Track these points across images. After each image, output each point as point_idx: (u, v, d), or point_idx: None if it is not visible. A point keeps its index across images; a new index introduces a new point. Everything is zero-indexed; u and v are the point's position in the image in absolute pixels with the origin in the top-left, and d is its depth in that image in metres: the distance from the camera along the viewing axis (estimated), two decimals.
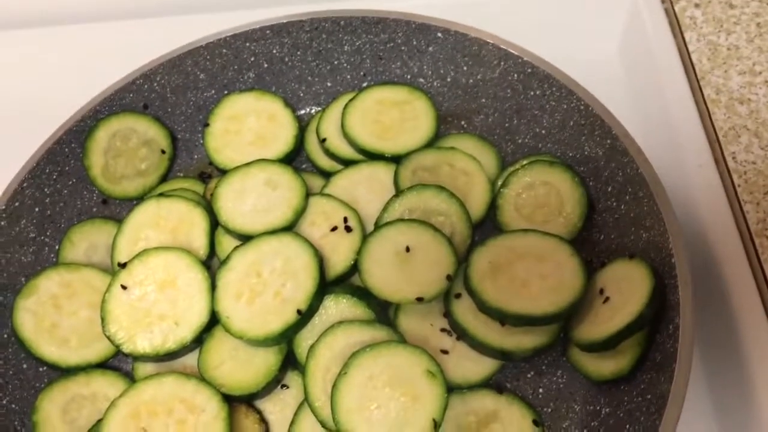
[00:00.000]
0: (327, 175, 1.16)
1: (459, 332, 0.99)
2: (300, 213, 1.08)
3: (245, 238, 1.05)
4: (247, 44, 1.22)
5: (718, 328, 1.02)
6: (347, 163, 1.16)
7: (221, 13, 1.32)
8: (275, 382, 0.98)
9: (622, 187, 1.02)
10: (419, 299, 0.98)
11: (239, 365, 0.98)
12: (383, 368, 0.91)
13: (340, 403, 0.90)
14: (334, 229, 1.06)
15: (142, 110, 1.21)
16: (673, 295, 0.89)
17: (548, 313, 0.94)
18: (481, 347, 0.97)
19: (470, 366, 0.98)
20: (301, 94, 1.28)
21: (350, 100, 1.18)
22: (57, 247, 1.12)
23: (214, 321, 1.00)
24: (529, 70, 1.11)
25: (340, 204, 1.08)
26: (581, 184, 1.07)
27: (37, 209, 1.11)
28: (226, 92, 1.24)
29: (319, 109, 1.26)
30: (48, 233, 1.12)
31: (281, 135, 1.20)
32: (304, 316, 0.97)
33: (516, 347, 0.96)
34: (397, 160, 1.13)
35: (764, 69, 1.21)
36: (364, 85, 1.26)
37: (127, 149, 1.18)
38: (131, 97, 1.19)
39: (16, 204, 1.09)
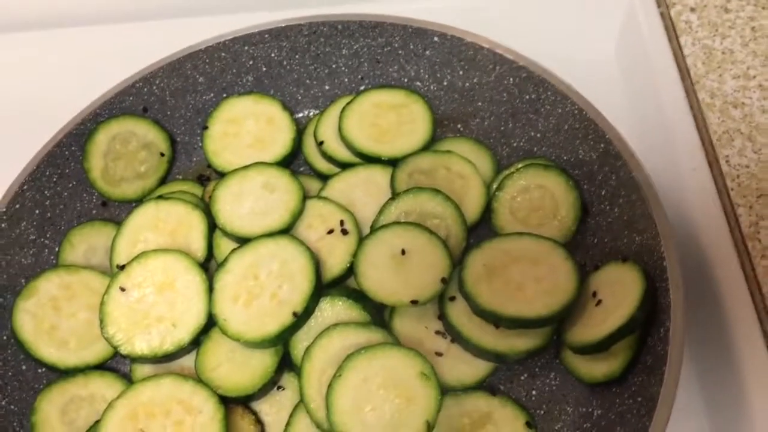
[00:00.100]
0: (324, 177, 1.17)
1: (453, 335, 1.00)
2: (297, 216, 1.09)
3: (243, 241, 1.06)
4: (246, 48, 1.23)
5: (711, 329, 1.03)
6: (344, 166, 1.17)
7: (220, 17, 1.33)
8: (271, 384, 1.00)
9: (616, 191, 1.03)
10: (414, 302, 0.99)
11: (236, 367, 0.99)
12: (378, 370, 0.92)
13: (335, 404, 0.91)
14: (330, 231, 1.08)
15: (142, 113, 1.22)
16: (665, 298, 0.90)
17: (542, 316, 0.95)
18: (475, 350, 0.98)
19: (464, 368, 0.99)
20: (300, 98, 1.29)
21: (348, 104, 1.19)
22: (57, 249, 1.13)
23: (211, 323, 1.01)
24: (524, 75, 1.12)
25: (336, 207, 1.09)
26: (575, 187, 1.08)
27: (37, 211, 1.13)
28: (224, 95, 1.25)
29: (317, 112, 1.27)
30: (48, 235, 1.14)
31: (279, 138, 1.21)
32: (300, 319, 0.99)
33: (510, 350, 0.97)
34: (393, 163, 1.14)
35: (758, 73, 1.22)
36: (362, 88, 1.27)
37: (127, 152, 1.20)
38: (131, 100, 1.20)
39: (17, 206, 1.10)
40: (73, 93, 1.21)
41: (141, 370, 1.03)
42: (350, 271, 1.04)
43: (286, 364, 1.01)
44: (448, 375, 0.98)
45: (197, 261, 1.05)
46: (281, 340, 0.99)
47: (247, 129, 1.21)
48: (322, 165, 1.20)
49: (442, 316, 1.01)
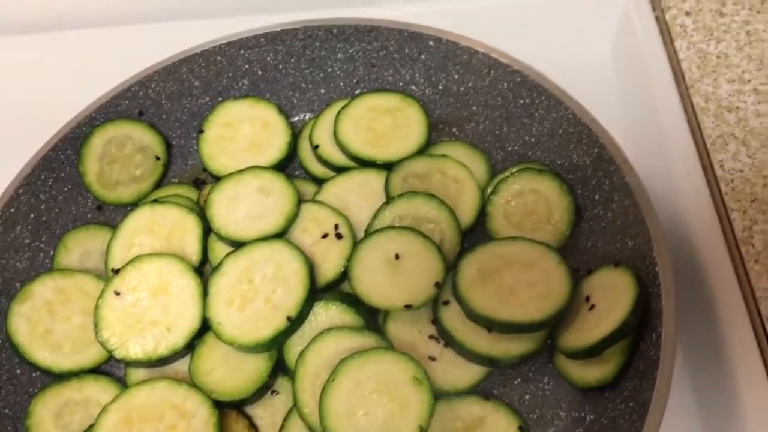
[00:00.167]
0: (319, 181, 1.18)
1: (447, 339, 1.00)
2: (292, 220, 1.09)
3: (238, 245, 1.06)
4: (242, 52, 1.23)
5: (704, 333, 1.03)
6: (339, 169, 1.17)
7: (216, 21, 1.33)
8: (265, 388, 1.00)
9: (609, 196, 1.03)
10: (408, 306, 0.99)
11: (230, 371, 0.99)
12: (371, 375, 0.92)
13: (328, 409, 0.91)
14: (325, 236, 1.08)
15: (138, 117, 1.22)
16: (657, 303, 0.90)
17: (535, 321, 0.96)
18: (468, 354, 0.99)
19: (458, 373, 0.99)
20: (295, 101, 1.29)
21: (343, 108, 1.20)
22: (52, 252, 1.14)
23: (205, 327, 1.01)
24: (519, 79, 1.12)
25: (331, 211, 1.10)
26: (569, 192, 1.08)
27: (32, 215, 1.13)
28: (220, 99, 1.25)
29: (313, 116, 1.27)
30: (43, 239, 1.14)
31: (275, 142, 1.21)
32: (294, 323, 0.99)
33: (503, 354, 0.97)
34: (388, 167, 1.14)
35: (753, 77, 1.22)
36: (357, 92, 1.27)
37: (122, 156, 1.20)
38: (126, 104, 1.21)
39: (12, 210, 1.10)
40: (68, 96, 1.21)
41: (135, 374, 1.03)
42: (344, 275, 1.04)
43: (280, 368, 1.01)
44: (442, 379, 0.98)
45: (192, 265, 1.06)
46: (275, 345, 0.99)
47: (242, 133, 1.22)
48: (318, 169, 1.20)
49: (435, 321, 1.01)
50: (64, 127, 1.17)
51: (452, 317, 1.00)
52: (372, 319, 1.03)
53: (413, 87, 1.24)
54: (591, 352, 0.92)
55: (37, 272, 1.11)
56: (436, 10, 1.37)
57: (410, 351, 0.97)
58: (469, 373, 0.99)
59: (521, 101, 1.14)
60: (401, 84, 1.25)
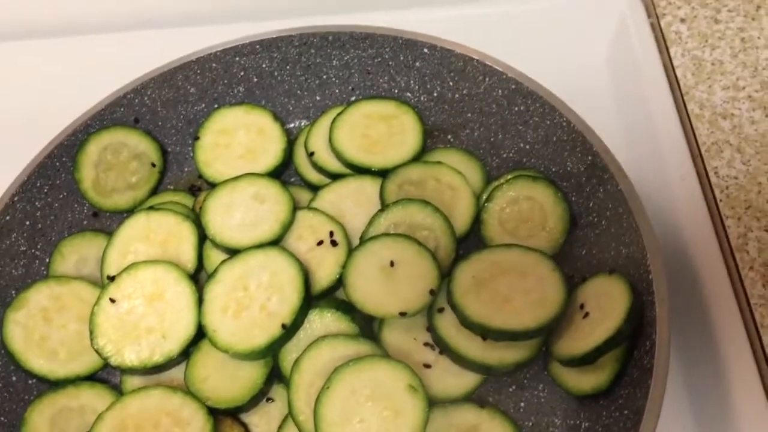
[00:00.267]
0: (315, 188, 1.18)
1: (442, 346, 1.00)
2: (287, 227, 1.09)
3: (233, 252, 1.07)
4: (237, 59, 1.24)
5: (699, 341, 1.03)
6: (335, 176, 1.17)
7: (211, 27, 1.34)
8: (260, 396, 1.00)
9: (603, 203, 1.03)
10: (402, 314, 0.99)
11: (225, 378, 1.00)
12: (366, 382, 0.92)
13: (323, 416, 0.91)
14: (320, 243, 1.08)
15: (133, 124, 1.22)
16: (651, 311, 0.91)
17: (530, 329, 0.96)
18: (463, 362, 0.99)
19: (452, 380, 0.99)
20: (291, 108, 1.29)
21: (338, 115, 1.20)
22: (47, 260, 1.14)
23: (201, 334, 1.01)
24: (513, 86, 1.13)
25: (326, 218, 1.10)
26: (564, 199, 1.08)
27: (27, 223, 1.13)
28: (216, 106, 1.26)
29: (308, 122, 1.28)
30: (39, 246, 1.14)
31: (270, 149, 1.21)
32: (289, 330, 0.99)
33: (498, 362, 0.98)
34: (383, 174, 1.14)
35: (748, 84, 1.23)
36: (352, 99, 1.27)
37: (118, 163, 1.20)
38: (122, 111, 1.21)
39: (7, 218, 1.10)
40: (63, 103, 1.21)
41: (131, 382, 1.03)
42: (339, 282, 1.04)
43: (276, 375, 1.01)
44: (437, 387, 0.98)
45: (187, 272, 1.06)
46: (270, 352, 1.00)
47: (238, 140, 1.22)
48: (313, 176, 1.20)
49: (430, 328, 1.02)
50: (60, 134, 1.17)
51: (447, 325, 1.00)
52: (367, 326, 1.03)
53: (408, 94, 1.25)
54: (585, 360, 0.93)
55: (33, 279, 1.11)
56: (431, 18, 1.38)
57: (405, 358, 0.97)
58: (464, 381, 0.99)
59: (516, 108, 1.15)
60: (396, 91, 1.25)
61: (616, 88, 1.36)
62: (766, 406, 0.95)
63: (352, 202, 1.14)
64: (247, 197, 1.12)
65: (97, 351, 1.01)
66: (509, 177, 1.13)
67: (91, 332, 1.02)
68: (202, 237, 1.10)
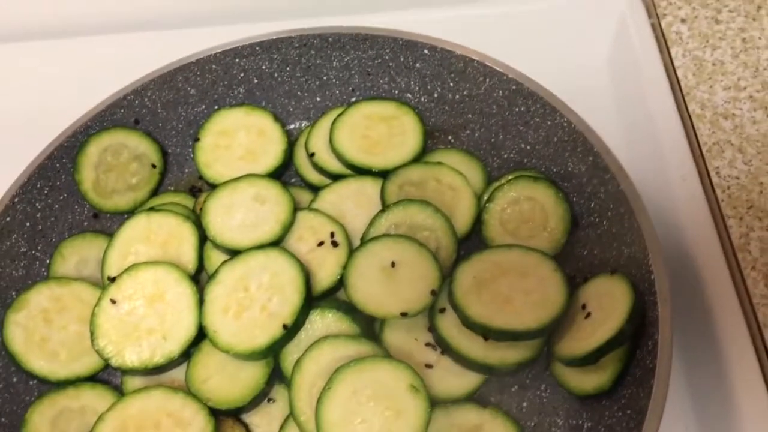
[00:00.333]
0: (315, 189, 1.17)
1: (443, 347, 1.00)
2: (288, 228, 1.09)
3: (233, 253, 1.06)
4: (237, 60, 1.24)
5: (701, 341, 1.03)
6: (335, 177, 1.17)
7: (211, 29, 1.33)
8: (262, 396, 0.99)
9: (604, 203, 1.03)
10: (404, 314, 0.99)
11: (226, 379, 0.99)
12: (367, 383, 0.92)
13: (324, 417, 0.91)
14: (321, 243, 1.08)
15: (133, 125, 1.22)
16: (653, 311, 0.90)
17: (531, 329, 0.95)
18: (465, 362, 0.98)
19: (454, 380, 0.99)
20: (291, 109, 1.29)
21: (339, 116, 1.20)
22: (48, 261, 1.13)
23: (202, 335, 1.01)
24: (514, 87, 1.13)
25: (327, 219, 1.10)
26: (565, 199, 1.08)
27: (28, 224, 1.13)
28: (216, 107, 1.25)
29: (308, 123, 1.28)
30: (39, 248, 1.14)
31: (271, 150, 1.21)
32: (290, 331, 0.99)
33: (499, 362, 0.97)
34: (384, 174, 1.14)
35: (749, 84, 1.23)
36: (353, 100, 1.27)
37: (118, 164, 1.20)
38: (122, 112, 1.21)
39: (7, 219, 1.10)
40: (63, 104, 1.21)
41: (132, 382, 1.03)
42: (340, 283, 1.04)
43: (277, 376, 1.01)
44: (438, 387, 0.98)
45: (188, 273, 1.06)
46: (271, 353, 0.99)
47: (238, 141, 1.22)
48: (314, 176, 1.20)
49: (432, 328, 1.01)
50: (60, 135, 1.17)
51: (449, 325, 1.00)
52: (368, 327, 1.03)
53: (409, 95, 1.25)
54: (587, 360, 0.92)
55: (33, 281, 1.11)
56: (431, 19, 1.38)
57: (407, 359, 0.97)
58: (466, 381, 0.99)
59: (516, 109, 1.15)
60: (397, 92, 1.25)
61: (616, 89, 1.36)
62: None
63: (352, 202, 1.14)
64: (247, 198, 1.12)
65: (97, 352, 1.01)
66: (510, 177, 1.13)
67: (92, 333, 1.01)
68: (203, 238, 1.10)
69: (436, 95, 1.22)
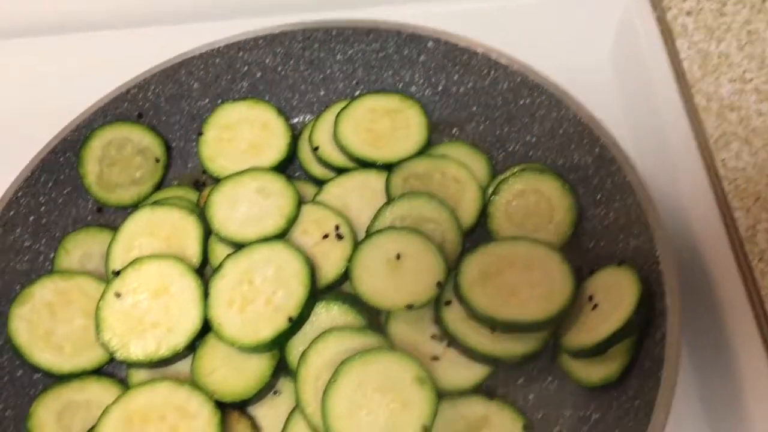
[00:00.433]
0: (320, 183, 1.17)
1: (449, 339, 0.99)
2: (292, 221, 1.09)
3: (238, 246, 1.06)
4: (241, 54, 1.23)
5: (709, 333, 1.02)
6: (340, 171, 1.17)
7: (214, 23, 1.33)
8: (267, 389, 0.99)
9: (611, 195, 1.02)
10: (409, 306, 0.99)
11: (232, 372, 0.99)
12: (373, 375, 0.92)
13: (330, 409, 0.90)
14: (325, 236, 1.07)
15: (137, 119, 1.22)
16: (661, 301, 0.90)
17: (538, 320, 0.95)
18: (471, 354, 0.98)
19: (460, 372, 0.98)
20: (295, 103, 1.29)
21: (342, 109, 1.19)
22: (52, 255, 1.13)
23: (206, 328, 1.01)
24: (519, 79, 1.12)
25: (331, 212, 1.09)
26: (571, 192, 1.08)
27: (32, 218, 1.12)
28: (219, 101, 1.25)
29: (312, 117, 1.27)
30: (43, 242, 1.13)
31: (274, 143, 1.21)
32: (296, 324, 0.98)
33: (506, 354, 0.97)
34: (388, 168, 1.14)
35: (755, 76, 1.22)
36: (357, 93, 1.27)
37: (122, 158, 1.19)
38: (126, 106, 1.20)
39: (11, 213, 1.10)
40: (67, 99, 1.20)
41: (137, 376, 1.03)
42: (345, 276, 1.04)
43: (282, 368, 1.00)
44: (444, 379, 0.97)
45: (192, 266, 1.05)
46: (276, 345, 0.99)
47: (242, 135, 1.21)
48: (318, 170, 1.20)
49: (437, 321, 1.01)
50: (64, 129, 1.16)
51: (454, 317, 1.00)
52: (374, 319, 1.02)
53: (413, 88, 1.24)
54: (595, 351, 0.92)
55: (38, 275, 1.10)
56: (435, 12, 1.37)
57: (412, 351, 0.97)
58: (472, 373, 0.99)
59: (522, 101, 1.14)
60: (401, 85, 1.25)
61: (621, 82, 1.35)
62: None
63: (357, 195, 1.13)
64: (251, 191, 1.11)
65: (102, 345, 1.00)
66: (515, 170, 1.12)
67: (97, 327, 1.01)
68: (207, 231, 1.10)
69: (440, 88, 1.22)
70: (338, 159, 1.17)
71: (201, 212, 1.12)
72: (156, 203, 1.13)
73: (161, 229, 1.10)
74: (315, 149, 1.18)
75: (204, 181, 1.23)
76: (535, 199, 1.09)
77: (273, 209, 1.10)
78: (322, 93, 1.28)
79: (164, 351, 0.99)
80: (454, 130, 1.23)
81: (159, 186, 1.22)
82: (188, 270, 1.04)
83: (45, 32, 1.48)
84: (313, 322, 1.01)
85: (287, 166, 1.22)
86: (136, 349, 1.00)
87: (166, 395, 0.95)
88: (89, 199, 1.19)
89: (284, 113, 1.23)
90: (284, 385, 1.01)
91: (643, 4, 1.34)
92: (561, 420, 0.98)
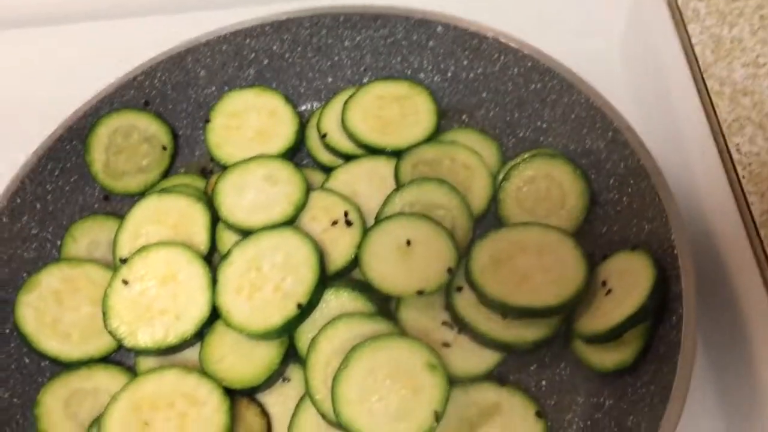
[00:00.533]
0: (328, 170, 1.16)
1: (460, 325, 0.98)
2: (300, 208, 1.08)
3: (246, 233, 1.05)
4: (247, 41, 1.22)
5: (723, 319, 1.01)
6: (348, 158, 1.15)
7: (221, 10, 1.32)
8: (276, 376, 0.98)
9: (624, 180, 1.01)
10: (420, 292, 0.98)
11: (240, 359, 0.98)
12: (384, 361, 0.91)
13: (340, 395, 0.89)
14: (334, 223, 1.06)
15: (143, 107, 1.21)
16: (676, 285, 0.89)
17: (550, 306, 0.94)
18: (482, 340, 0.97)
19: (472, 358, 0.97)
20: (302, 90, 1.27)
21: (351, 96, 1.18)
22: (59, 243, 1.12)
23: (215, 315, 1.00)
24: (530, 64, 1.11)
25: (340, 198, 1.08)
26: (583, 177, 1.06)
27: (38, 206, 1.12)
28: (226, 89, 1.24)
29: (320, 104, 1.26)
30: (50, 229, 1.13)
31: (282, 131, 1.20)
32: (305, 310, 0.97)
33: (517, 340, 0.96)
34: (397, 154, 1.12)
35: None
36: (365, 80, 1.26)
37: (129, 145, 1.19)
38: (132, 93, 1.19)
39: (18, 201, 1.09)
40: (74, 88, 1.19)
41: (145, 363, 1.02)
42: (355, 262, 1.03)
43: (292, 355, 0.99)
44: (455, 365, 0.96)
45: (200, 253, 1.04)
46: (286, 332, 0.98)
47: (249, 122, 1.20)
48: (326, 158, 1.19)
49: (448, 307, 1.00)
50: (70, 117, 1.15)
51: (466, 303, 0.99)
52: (384, 306, 1.01)
53: (422, 74, 1.23)
54: (609, 336, 0.91)
55: (44, 262, 1.09)
56: None
57: (423, 337, 0.96)
58: (484, 359, 0.97)
59: (532, 86, 1.13)
60: (409, 71, 1.23)
61: (632, 68, 1.33)
62: None
63: (366, 182, 1.12)
64: (259, 179, 1.11)
65: (110, 332, 0.99)
66: (526, 156, 1.11)
67: (104, 314, 1.00)
68: (215, 219, 1.09)
69: (449, 74, 1.21)
70: (346, 146, 1.16)
71: (208, 199, 1.11)
72: (163, 191, 1.12)
73: (168, 216, 1.09)
74: (323, 136, 1.17)
75: (211, 169, 1.22)
76: (547, 185, 1.08)
77: (281, 196, 1.09)
78: (329, 80, 1.27)
79: (172, 338, 0.98)
80: (463, 117, 1.21)
81: (166, 174, 1.21)
82: (196, 257, 1.03)
83: (52, 22, 1.47)
84: (323, 309, 1.00)
85: (295, 154, 1.21)
86: (144, 337, 0.99)
87: (175, 382, 0.94)
88: (96, 187, 1.18)
89: (291, 101, 1.22)
90: (293, 372, 1.00)
91: None
92: (574, 406, 0.97)
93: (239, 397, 0.97)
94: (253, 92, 1.22)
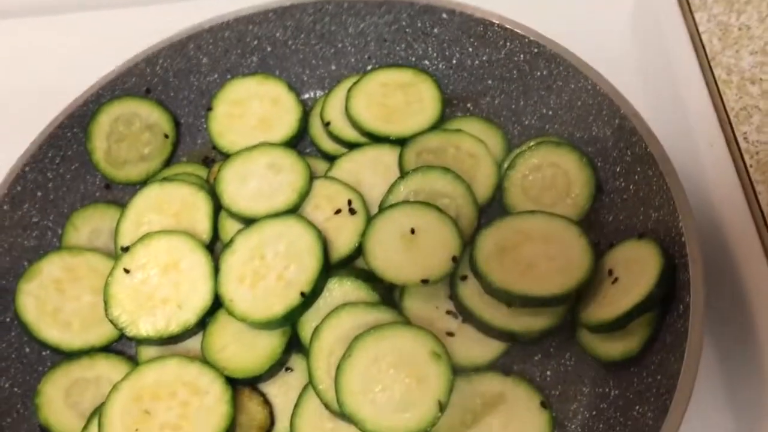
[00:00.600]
0: (331, 159, 1.15)
1: (465, 314, 0.97)
2: (304, 196, 1.07)
3: (249, 222, 1.04)
4: (250, 28, 1.21)
5: (730, 308, 1.00)
6: (352, 146, 1.14)
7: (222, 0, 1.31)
8: (279, 365, 0.97)
9: (631, 167, 1.00)
10: (424, 281, 0.97)
11: (243, 348, 0.97)
12: (388, 350, 0.90)
13: (344, 385, 0.88)
14: (338, 211, 1.05)
15: (145, 94, 1.20)
16: (683, 274, 0.87)
17: (555, 295, 0.93)
18: (487, 329, 0.96)
19: (476, 348, 0.97)
20: (305, 78, 1.26)
21: (354, 84, 1.17)
22: (60, 231, 1.12)
23: (217, 304, 0.99)
24: (536, 50, 1.09)
25: (344, 187, 1.07)
26: (589, 164, 1.05)
27: (39, 194, 1.11)
28: (229, 76, 1.23)
29: (324, 92, 1.25)
30: (51, 218, 1.12)
31: (285, 119, 1.18)
32: (308, 299, 0.96)
33: (522, 329, 0.95)
34: (402, 142, 1.11)
35: None
36: (369, 68, 1.24)
37: (130, 133, 1.18)
38: (134, 81, 1.18)
39: (19, 188, 1.08)
40: (75, 76, 1.19)
41: (147, 353, 1.01)
42: (359, 251, 1.02)
43: (294, 345, 0.99)
44: (460, 355, 0.95)
45: (202, 242, 1.03)
46: (288, 321, 0.97)
47: (252, 110, 1.19)
48: (329, 146, 1.17)
49: (453, 296, 0.99)
50: (71, 104, 1.14)
51: (470, 292, 0.98)
52: (388, 295, 1.00)
53: (426, 62, 1.22)
54: (615, 325, 0.90)
55: (45, 251, 1.08)
56: None
57: (427, 326, 0.94)
58: (488, 349, 0.97)
59: (538, 73, 1.11)
60: (414, 59, 1.22)
61: (639, 55, 1.32)
62: None
63: (369, 170, 1.11)
64: (261, 167, 1.10)
65: (112, 321, 0.99)
66: (531, 144, 1.10)
67: (106, 303, 1.00)
68: (217, 207, 1.08)
69: (454, 61, 1.19)
70: (350, 134, 1.15)
71: (211, 188, 1.10)
72: (165, 179, 1.11)
73: (171, 205, 1.08)
74: (326, 125, 1.16)
75: (213, 158, 1.21)
76: (552, 173, 1.07)
77: (284, 184, 1.08)
78: (333, 68, 1.26)
79: (174, 327, 0.98)
80: (468, 104, 1.20)
81: (168, 162, 1.20)
82: (198, 245, 1.02)
83: (54, 10, 1.47)
84: (326, 298, 0.99)
85: (298, 142, 1.19)
86: (146, 326, 0.98)
87: (177, 371, 0.94)
88: (97, 176, 1.17)
89: (295, 89, 1.21)
90: (296, 361, 0.99)
91: None
92: (579, 396, 0.96)
93: (241, 386, 0.96)
94: (256, 80, 1.21)
